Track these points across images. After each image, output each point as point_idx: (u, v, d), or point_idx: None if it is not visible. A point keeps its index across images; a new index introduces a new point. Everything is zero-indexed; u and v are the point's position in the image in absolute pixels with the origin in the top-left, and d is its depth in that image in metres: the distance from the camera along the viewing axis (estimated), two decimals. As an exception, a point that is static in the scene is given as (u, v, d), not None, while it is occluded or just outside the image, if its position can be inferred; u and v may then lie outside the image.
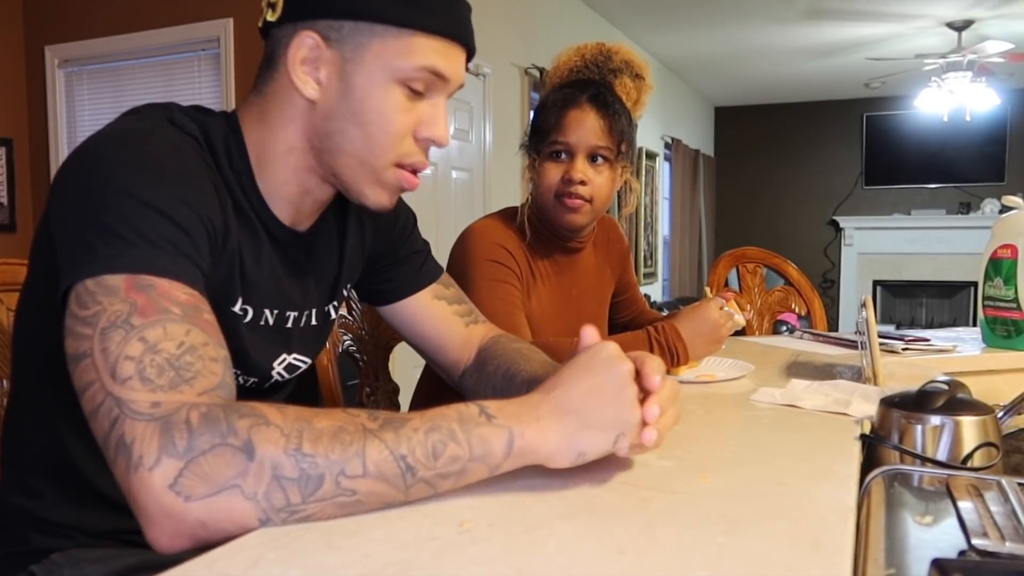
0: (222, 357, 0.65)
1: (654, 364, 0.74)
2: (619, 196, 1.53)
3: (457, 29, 0.82)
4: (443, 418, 0.64)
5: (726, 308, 1.34)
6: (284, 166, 0.84)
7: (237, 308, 0.84)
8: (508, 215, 1.46)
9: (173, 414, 0.58)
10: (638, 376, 0.72)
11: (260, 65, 0.85)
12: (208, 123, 0.82)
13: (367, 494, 0.60)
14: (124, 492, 0.59)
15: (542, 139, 1.38)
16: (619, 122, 1.37)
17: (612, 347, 0.72)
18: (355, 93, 0.79)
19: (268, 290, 0.88)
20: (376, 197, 0.85)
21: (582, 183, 1.35)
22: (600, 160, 1.37)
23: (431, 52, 0.80)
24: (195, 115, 0.83)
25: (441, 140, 0.84)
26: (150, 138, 0.75)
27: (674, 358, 1.29)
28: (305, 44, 0.78)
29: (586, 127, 1.35)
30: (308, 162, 0.84)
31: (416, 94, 0.81)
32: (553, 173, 1.37)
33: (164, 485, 0.56)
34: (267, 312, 0.89)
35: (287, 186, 0.85)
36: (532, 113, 1.41)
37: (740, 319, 1.35)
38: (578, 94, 1.37)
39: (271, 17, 0.81)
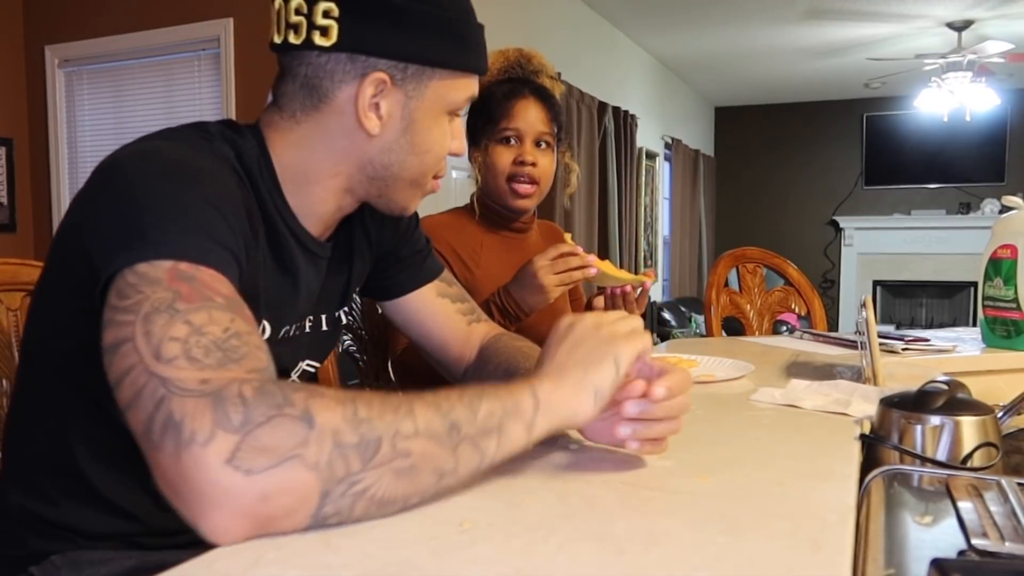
0: (265, 347, 0.64)
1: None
2: (558, 179, 1.72)
3: (486, 63, 0.90)
4: (466, 389, 0.66)
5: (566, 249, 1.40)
6: (325, 188, 0.87)
7: (260, 330, 0.85)
8: (456, 209, 1.65)
9: (224, 388, 0.56)
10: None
11: (288, 86, 0.84)
12: (240, 144, 0.83)
13: (420, 456, 0.60)
14: (170, 478, 0.55)
15: (491, 126, 1.53)
16: (557, 111, 1.57)
17: (564, 319, 0.78)
18: (416, 127, 0.85)
19: (290, 306, 0.89)
20: (413, 207, 0.93)
21: (533, 164, 1.52)
22: (544, 145, 1.55)
23: (472, 85, 0.89)
24: (228, 135, 0.83)
25: (462, 151, 0.95)
26: (197, 153, 0.77)
27: (510, 312, 1.42)
28: (374, 85, 0.81)
29: (531, 115, 1.52)
30: (350, 184, 0.87)
31: (453, 119, 0.89)
32: (505, 156, 1.53)
33: (221, 461, 0.53)
34: (289, 327, 0.91)
35: (324, 205, 0.88)
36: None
37: (590, 265, 1.39)
38: (520, 87, 1.54)
39: (322, 42, 0.79)
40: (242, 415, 0.55)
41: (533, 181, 1.53)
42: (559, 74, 1.68)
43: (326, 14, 0.78)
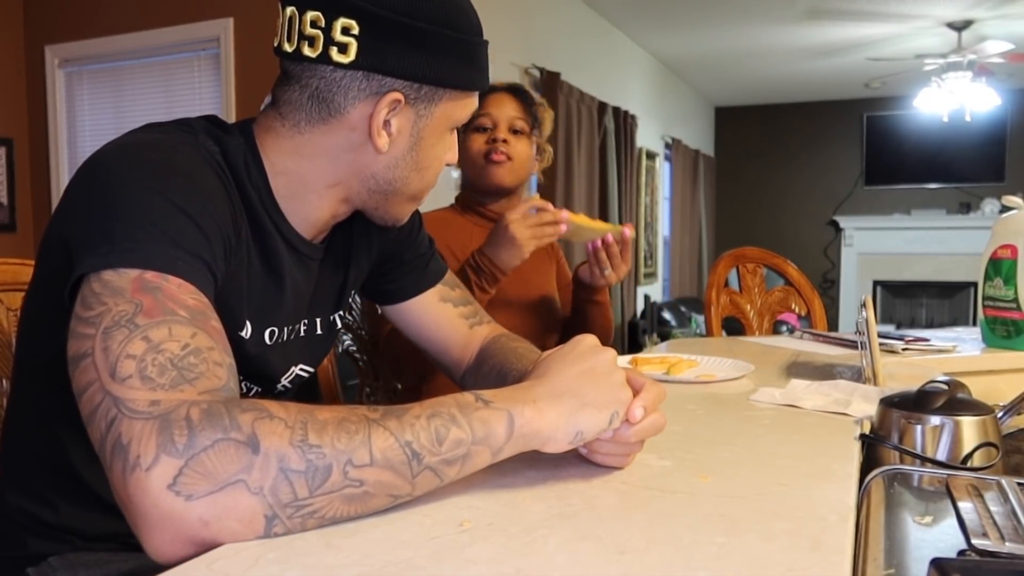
0: (227, 363, 0.64)
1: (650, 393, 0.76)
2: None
3: (489, 80, 0.91)
4: (442, 405, 0.64)
5: (531, 208, 1.41)
6: (322, 197, 0.86)
7: (244, 333, 0.85)
8: (442, 208, 1.70)
9: (172, 412, 0.57)
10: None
11: (294, 94, 0.82)
12: (226, 140, 0.82)
13: (374, 484, 0.59)
14: (120, 498, 0.56)
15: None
16: (532, 106, 1.63)
17: (592, 338, 0.76)
18: (422, 145, 0.85)
19: (278, 308, 0.88)
20: (405, 219, 0.94)
21: (505, 141, 1.56)
22: (518, 132, 1.59)
23: (475, 101, 0.90)
24: (214, 133, 0.83)
25: (455, 161, 0.95)
26: (179, 149, 0.76)
27: (484, 269, 1.42)
28: (389, 105, 0.80)
29: (505, 106, 1.59)
30: (348, 195, 0.87)
31: (452, 132, 0.89)
32: (479, 140, 1.58)
33: (163, 486, 0.54)
34: (276, 330, 0.90)
35: (318, 212, 0.88)
36: None
37: (559, 218, 1.39)
38: (495, 86, 1.60)
39: (340, 59, 0.78)
40: (187, 440, 0.55)
41: (507, 155, 1.57)
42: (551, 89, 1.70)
43: (345, 31, 0.77)
